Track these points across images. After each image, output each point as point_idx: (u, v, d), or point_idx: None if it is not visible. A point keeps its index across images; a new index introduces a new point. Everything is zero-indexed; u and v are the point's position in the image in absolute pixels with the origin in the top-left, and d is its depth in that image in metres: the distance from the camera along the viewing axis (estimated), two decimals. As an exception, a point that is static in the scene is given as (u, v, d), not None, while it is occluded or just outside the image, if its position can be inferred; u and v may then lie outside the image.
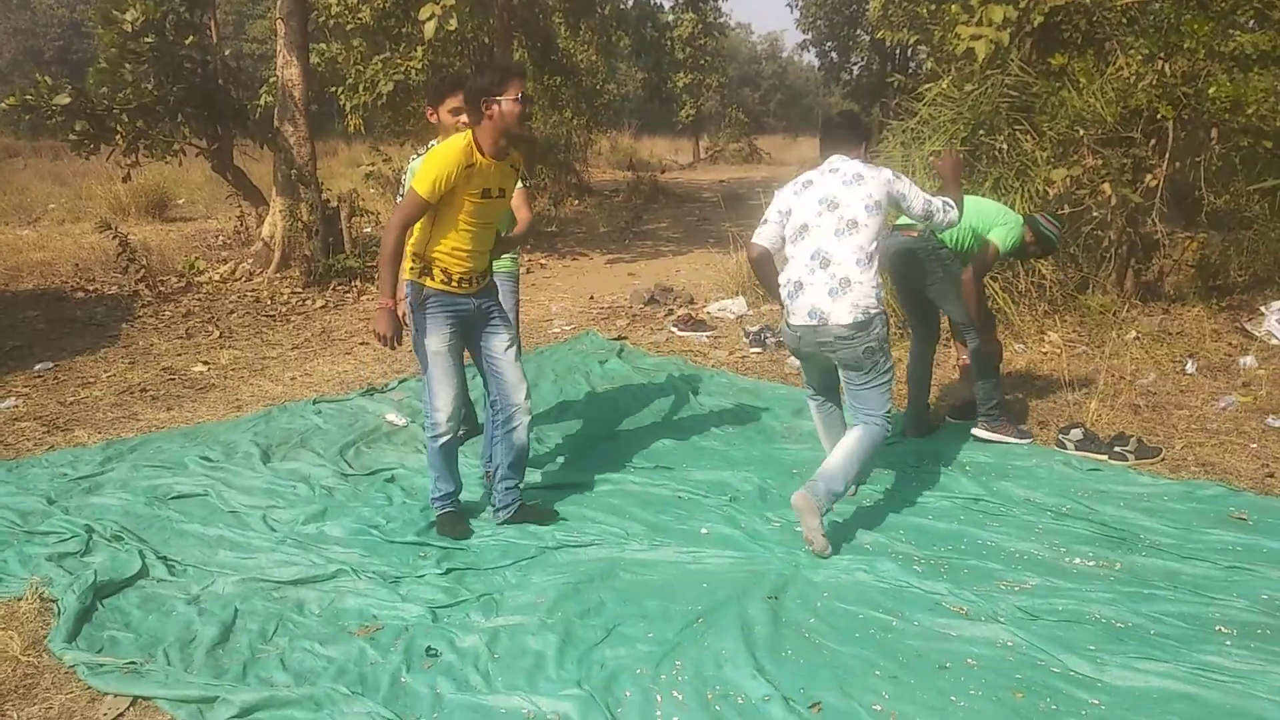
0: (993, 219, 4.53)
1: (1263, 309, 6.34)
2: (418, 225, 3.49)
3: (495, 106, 3.35)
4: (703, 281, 9.25)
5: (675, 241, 12.51)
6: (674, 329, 7.38)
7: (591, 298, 8.79)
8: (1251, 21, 6.79)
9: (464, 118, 3.59)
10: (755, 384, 5.89)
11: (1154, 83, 6.29)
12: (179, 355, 6.70)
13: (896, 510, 3.91)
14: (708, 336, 7.14)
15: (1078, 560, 3.43)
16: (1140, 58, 6.47)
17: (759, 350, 6.64)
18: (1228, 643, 2.87)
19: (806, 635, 2.96)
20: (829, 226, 3.56)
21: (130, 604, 3.20)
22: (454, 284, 3.53)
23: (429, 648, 2.92)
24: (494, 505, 3.83)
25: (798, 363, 6.21)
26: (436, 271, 3.50)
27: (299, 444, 4.75)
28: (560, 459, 4.59)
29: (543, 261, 10.90)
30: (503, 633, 3.01)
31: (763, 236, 3.79)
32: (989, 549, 3.54)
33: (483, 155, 3.41)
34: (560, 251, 11.64)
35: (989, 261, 4.56)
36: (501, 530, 3.74)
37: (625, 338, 7.11)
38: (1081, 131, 6.45)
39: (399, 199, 3.78)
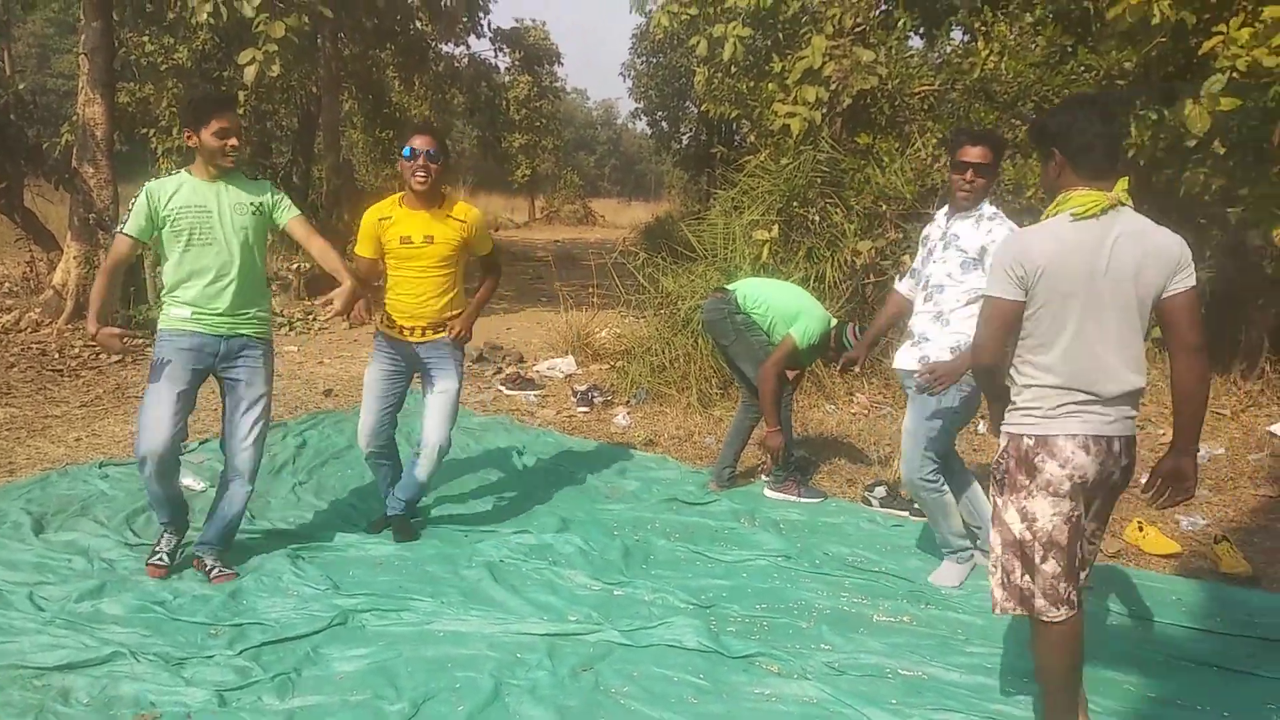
0: (796, 311, 4.59)
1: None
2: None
3: (401, 161, 3.90)
4: (533, 340, 9.22)
5: (507, 299, 12.44)
6: (502, 388, 7.30)
7: (418, 355, 8.56)
8: (1032, 112, 7.53)
9: (232, 140, 3.48)
10: (581, 443, 5.88)
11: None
12: (-56, 413, 6.01)
13: (713, 570, 3.95)
14: (536, 395, 7.09)
15: (881, 615, 3.57)
16: (935, 141, 7.04)
17: (585, 410, 6.65)
18: (1012, 690, 3.04)
19: (621, 702, 2.92)
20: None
21: None
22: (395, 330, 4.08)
23: (213, 736, 2.68)
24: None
25: (626, 421, 6.30)
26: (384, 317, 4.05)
27: (79, 512, 4.33)
28: (374, 524, 4.39)
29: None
30: (299, 715, 2.80)
31: None
32: (800, 606, 3.63)
33: (400, 207, 3.94)
34: (387, 307, 11.30)
35: (785, 355, 4.53)
36: (308, 602, 3.51)
37: (451, 396, 6.95)
38: (885, 206, 6.91)
39: (120, 228, 3.55)
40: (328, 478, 5.02)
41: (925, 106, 7.53)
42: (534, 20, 23.15)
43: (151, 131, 13.66)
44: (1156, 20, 5.66)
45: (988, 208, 3.61)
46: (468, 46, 16.41)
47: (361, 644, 3.23)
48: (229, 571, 3.72)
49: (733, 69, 8.26)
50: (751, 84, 7.99)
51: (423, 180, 3.82)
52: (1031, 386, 2.48)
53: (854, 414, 6.41)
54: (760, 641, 3.29)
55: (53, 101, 22.41)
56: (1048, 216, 2.49)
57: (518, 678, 3.03)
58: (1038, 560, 2.44)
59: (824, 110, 7.11)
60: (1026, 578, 2.46)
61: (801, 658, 3.18)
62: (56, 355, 7.72)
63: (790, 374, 4.72)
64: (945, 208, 3.78)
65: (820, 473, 5.30)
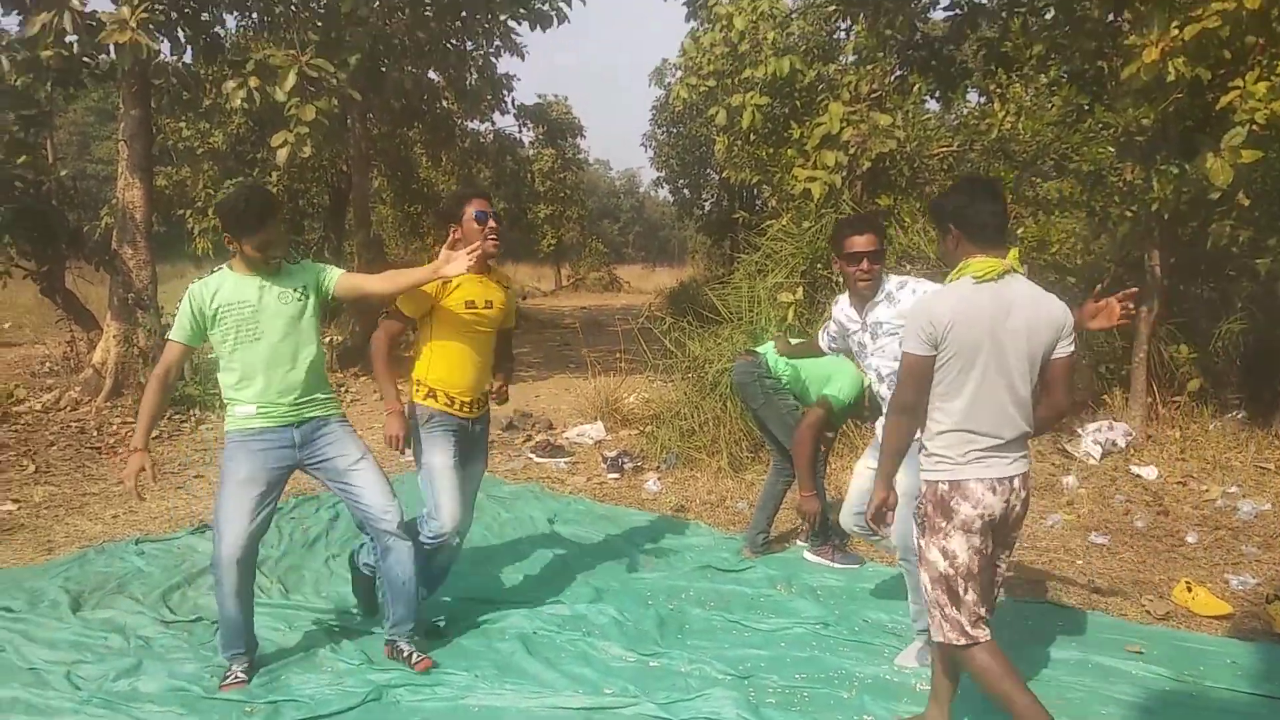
0: (827, 372, 4.57)
1: (1079, 430, 6.84)
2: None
3: (459, 229, 3.59)
4: (562, 406, 9.25)
5: (535, 366, 12.53)
6: (532, 455, 7.30)
7: (447, 425, 8.61)
8: (1052, 169, 7.58)
9: (274, 251, 3.37)
10: (613, 510, 5.85)
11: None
12: (-15, 493, 6.11)
13: (751, 639, 3.88)
14: (566, 463, 7.09)
15: (924, 684, 3.48)
16: (958, 201, 7.08)
17: (616, 476, 6.63)
18: (1065, 760, 2.95)
19: (660, 777, 2.86)
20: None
21: (-106, 787, 2.79)
22: (456, 408, 3.76)
23: (249, 818, 2.65)
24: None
25: (657, 487, 6.28)
26: (441, 396, 3.75)
27: (116, 589, 4.35)
28: (407, 597, 4.36)
29: (400, 387, 10.66)
30: (335, 795, 2.77)
31: None
32: (840, 675, 3.55)
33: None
34: (417, 378, 11.42)
35: (822, 418, 4.50)
36: (342, 678, 3.49)
37: (481, 466, 6.97)
38: (909, 266, 6.93)
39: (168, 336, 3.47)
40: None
41: (945, 167, 7.61)
42: (556, 95, 23.75)
43: (188, 213, 14.05)
44: (1172, 77, 5.71)
45: (890, 282, 3.59)
46: (493, 123, 16.84)
47: (396, 720, 3.19)
48: (425, 657, 3.56)
49: (752, 136, 8.40)
50: (771, 150, 8.11)
51: (496, 242, 3.71)
52: (944, 433, 2.75)
53: (887, 475, 6.33)
54: (801, 713, 3.22)
55: (92, 186, 23.18)
56: (950, 282, 2.79)
57: (554, 754, 2.98)
58: (961, 592, 2.74)
59: (844, 174, 7.20)
60: (954, 610, 2.75)
61: (844, 729, 3.10)
62: (95, 433, 7.84)
63: (824, 436, 4.69)
64: (844, 297, 3.77)
65: (838, 537, 5.22)
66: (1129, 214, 6.65)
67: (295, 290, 3.45)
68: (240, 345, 3.37)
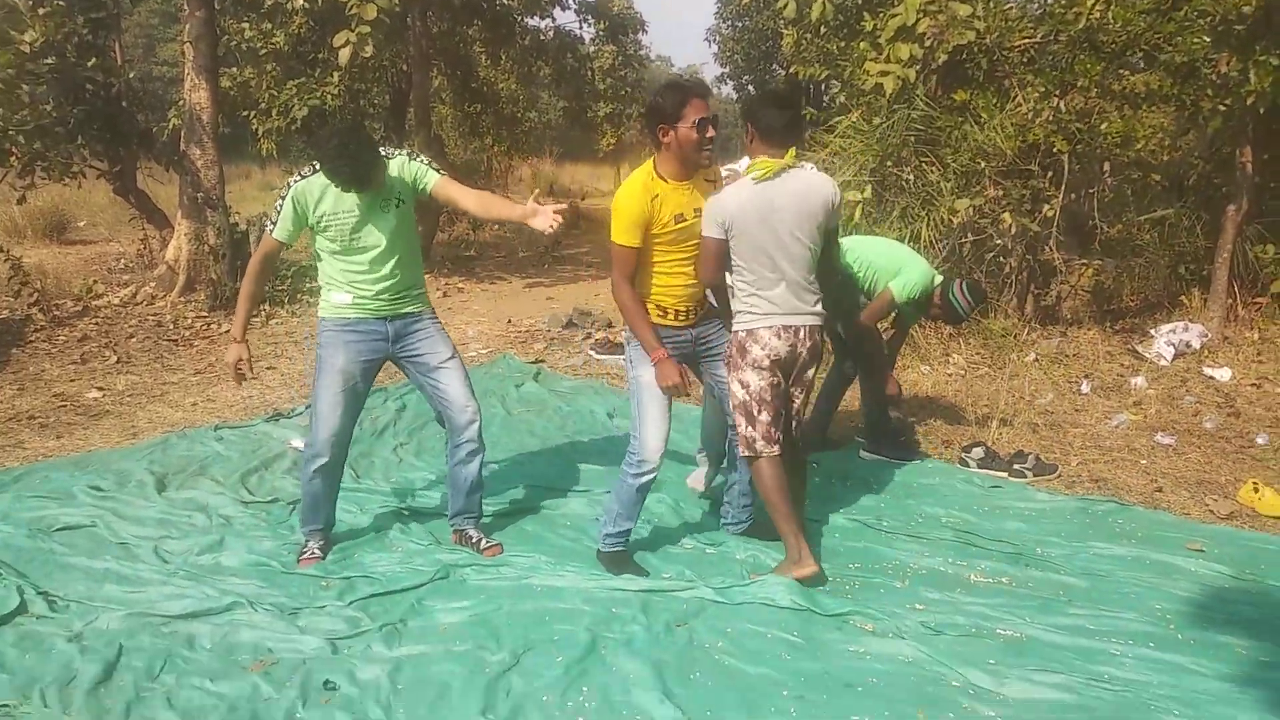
0: (897, 266, 4.46)
1: (1152, 332, 6.64)
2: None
3: (672, 134, 3.22)
4: (621, 307, 9.26)
5: (595, 266, 12.52)
6: (592, 352, 7.37)
7: (509, 321, 8.73)
8: (1141, 61, 7.16)
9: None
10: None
11: (1050, 119, 6.58)
12: (72, 381, 6.41)
13: (806, 530, 3.93)
14: (624, 359, 7.13)
15: (978, 576, 3.51)
16: (1037, 95, 6.76)
17: (675, 375, 6.65)
18: (1118, 653, 2.96)
19: (715, 657, 2.95)
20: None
21: (5, 643, 3.01)
22: (670, 317, 3.46)
23: (327, 681, 2.82)
24: (728, 520, 3.93)
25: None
26: (652, 308, 3.42)
27: (197, 471, 4.57)
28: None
29: (461, 285, 10.81)
30: (406, 663, 2.92)
31: None
32: (895, 567, 3.60)
33: (665, 181, 3.28)
34: (479, 275, 11.55)
35: (883, 308, 4.47)
36: (412, 557, 3.64)
37: (543, 361, 7.07)
38: (983, 164, 6.68)
39: (270, 227, 3.46)
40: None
41: (1026, 59, 7.23)
42: (617, -12, 22.97)
43: (252, 114, 14.11)
44: (1278, -45, 5.30)
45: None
46: (553, 19, 16.39)
47: (463, 597, 3.34)
48: (495, 544, 3.71)
49: (822, 29, 8.07)
50: (842, 44, 7.79)
51: (710, 155, 3.33)
52: (746, 298, 3.38)
53: (949, 375, 6.27)
54: (854, 600, 3.28)
55: (159, 88, 23.36)
56: (745, 176, 3.30)
57: (614, 632, 3.09)
58: (756, 413, 3.40)
59: (918, 67, 6.89)
60: (750, 428, 3.41)
61: (896, 617, 3.15)
62: (171, 326, 8.11)
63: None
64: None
65: (916, 434, 5.21)
66: (1222, 108, 6.28)
67: (393, 199, 3.46)
68: (342, 251, 3.47)
